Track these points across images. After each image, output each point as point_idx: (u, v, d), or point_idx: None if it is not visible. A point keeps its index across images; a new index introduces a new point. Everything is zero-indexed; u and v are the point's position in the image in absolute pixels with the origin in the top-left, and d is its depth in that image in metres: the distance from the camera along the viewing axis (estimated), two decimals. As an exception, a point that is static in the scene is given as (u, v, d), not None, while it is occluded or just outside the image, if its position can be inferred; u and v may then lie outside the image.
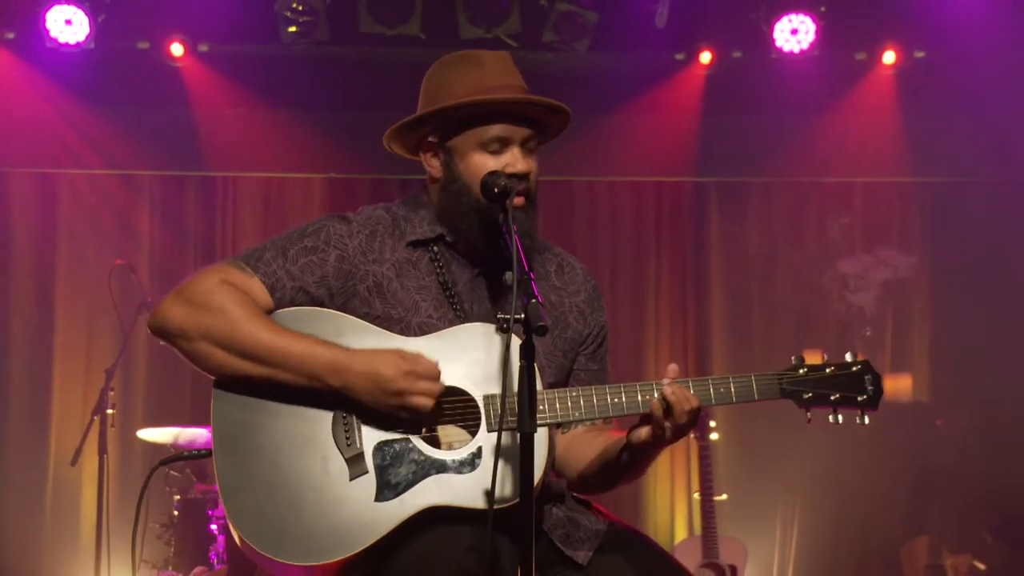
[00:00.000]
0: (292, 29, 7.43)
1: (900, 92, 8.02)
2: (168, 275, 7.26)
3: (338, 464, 2.84)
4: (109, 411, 6.22)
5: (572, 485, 3.11)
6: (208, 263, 7.72)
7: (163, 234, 7.96)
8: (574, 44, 7.59)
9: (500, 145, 3.01)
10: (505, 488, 2.83)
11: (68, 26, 7.24)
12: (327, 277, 2.97)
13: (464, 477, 2.85)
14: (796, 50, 7.65)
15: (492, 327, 2.92)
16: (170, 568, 6.32)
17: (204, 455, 3.04)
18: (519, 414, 2.62)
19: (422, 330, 2.97)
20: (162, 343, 2.97)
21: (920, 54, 7.93)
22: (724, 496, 6.65)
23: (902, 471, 7.94)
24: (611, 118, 7.92)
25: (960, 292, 8.11)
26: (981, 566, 7.50)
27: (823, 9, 7.65)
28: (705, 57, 7.72)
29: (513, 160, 3.00)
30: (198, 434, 6.34)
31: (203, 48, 7.58)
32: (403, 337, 2.94)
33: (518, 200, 2.97)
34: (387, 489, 2.82)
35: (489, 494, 2.76)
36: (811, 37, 7.63)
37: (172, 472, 6.48)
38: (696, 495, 6.84)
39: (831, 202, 8.36)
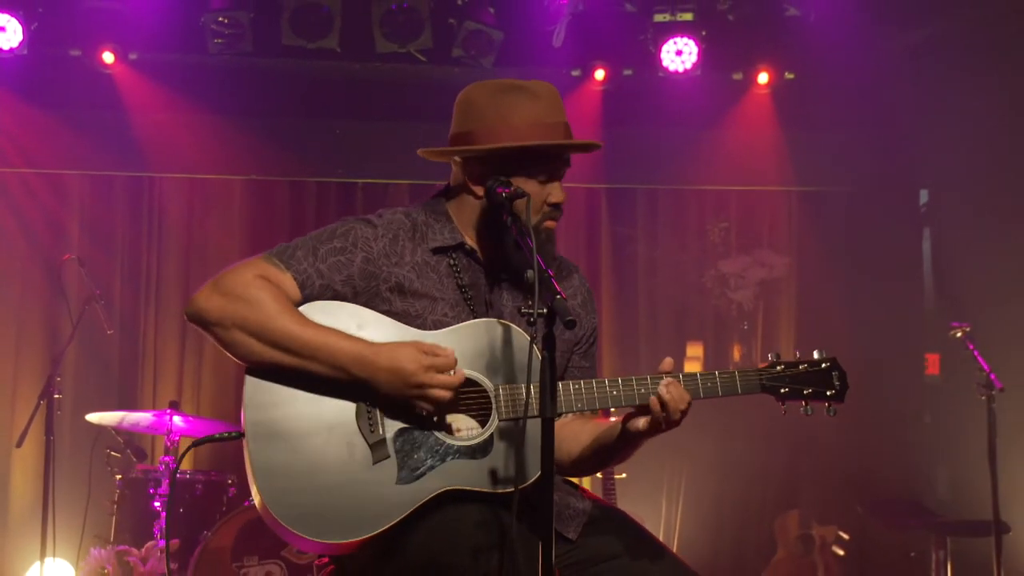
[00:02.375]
0: (218, 41, 7.55)
1: (773, 109, 8.37)
2: (95, 271, 7.31)
3: (362, 449, 2.91)
4: (56, 396, 6.33)
5: (562, 468, 3.17)
6: (133, 260, 7.98)
7: (91, 232, 8.04)
8: (481, 60, 7.79)
9: (547, 178, 3.12)
10: (519, 472, 2.94)
11: (2, 32, 7.29)
12: (353, 277, 3.03)
13: (478, 462, 2.94)
14: (681, 69, 7.88)
15: (500, 323, 3.05)
16: (111, 544, 6.47)
17: (235, 437, 3.05)
18: (540, 401, 2.70)
19: (437, 327, 3.05)
20: (198, 330, 3.04)
21: (790, 75, 8.26)
22: (623, 475, 6.85)
23: (775, 452, 8.25)
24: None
25: (822, 289, 8.50)
26: (845, 536, 7.89)
27: (704, 33, 7.90)
28: (599, 74, 7.93)
29: (556, 192, 3.13)
30: (142, 417, 6.52)
31: (133, 56, 7.65)
32: (419, 330, 3.03)
33: (551, 223, 3.13)
34: (407, 472, 2.90)
35: (500, 478, 2.92)
36: (694, 58, 7.87)
37: (113, 454, 6.59)
38: (599, 474, 7.16)
39: (711, 208, 8.70)
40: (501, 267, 3.19)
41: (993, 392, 5.86)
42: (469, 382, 3.00)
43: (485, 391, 3.01)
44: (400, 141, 8.09)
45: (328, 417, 2.94)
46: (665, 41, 7.94)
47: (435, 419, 2.97)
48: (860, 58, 8.05)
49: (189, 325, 8.02)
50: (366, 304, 3.05)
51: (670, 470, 8.30)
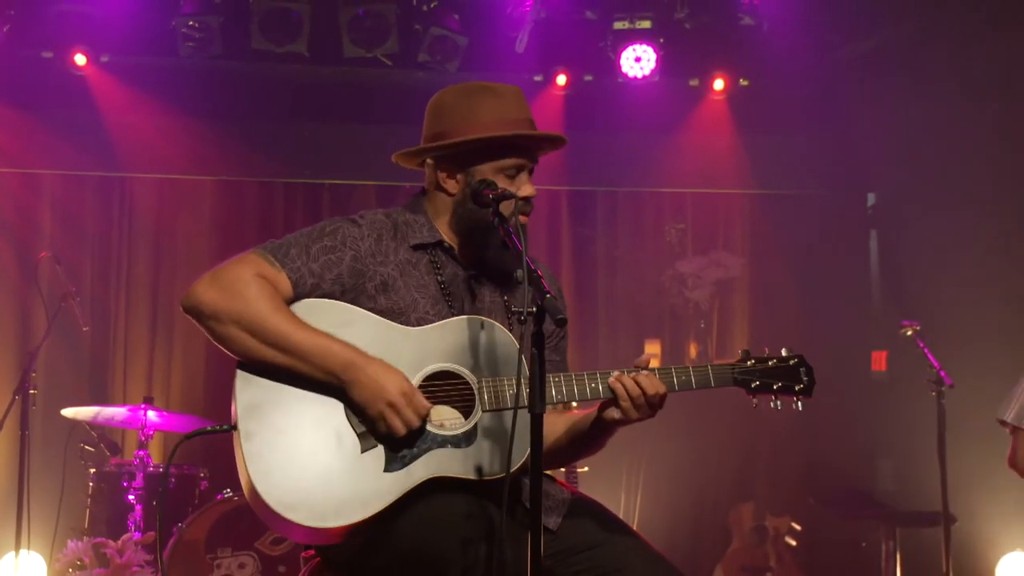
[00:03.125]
0: (188, 44, 7.61)
1: (728, 115, 8.49)
2: (68, 269, 7.33)
3: (351, 439, 2.98)
4: (32, 391, 6.37)
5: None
6: (104, 258, 8.03)
7: (63, 229, 8.06)
8: (446, 65, 7.85)
9: (516, 171, 3.21)
10: (501, 461, 3.00)
11: (-26, 35, 7.26)
12: (342, 275, 3.10)
13: (463, 451, 3.01)
14: (639, 76, 7.98)
15: (483, 320, 3.13)
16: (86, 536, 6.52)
17: (227, 430, 3.07)
18: (530, 395, 2.76)
19: (420, 323, 3.12)
20: (193, 321, 3.09)
21: (745, 82, 8.40)
22: (585, 468, 6.90)
23: (731, 446, 8.43)
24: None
25: (775, 289, 8.71)
26: (797, 527, 8.04)
27: (662, 41, 8.01)
28: (561, 79, 8.04)
29: (526, 187, 3.21)
30: (116, 412, 6.58)
31: (104, 59, 7.68)
32: (404, 327, 3.10)
33: (524, 219, 3.16)
34: (395, 461, 2.96)
35: (485, 467, 2.98)
36: (652, 65, 7.97)
37: (87, 448, 6.63)
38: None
39: (668, 210, 8.85)
40: (479, 264, 3.27)
41: (943, 388, 5.98)
42: (453, 375, 3.08)
43: (468, 384, 3.08)
44: (366, 144, 8.20)
45: (317, 409, 3.00)
46: (624, 48, 8.04)
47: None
48: (811, 66, 8.19)
49: (159, 322, 8.04)
50: (353, 301, 3.11)
51: (629, 464, 8.40)
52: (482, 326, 3.14)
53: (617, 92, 8.19)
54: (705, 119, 8.54)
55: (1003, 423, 4.74)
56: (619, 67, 8.05)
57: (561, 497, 3.22)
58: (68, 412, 6.52)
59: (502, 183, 3.18)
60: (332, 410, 3.01)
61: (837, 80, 8.26)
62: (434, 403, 3.06)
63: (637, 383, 3.05)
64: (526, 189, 3.21)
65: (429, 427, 3.02)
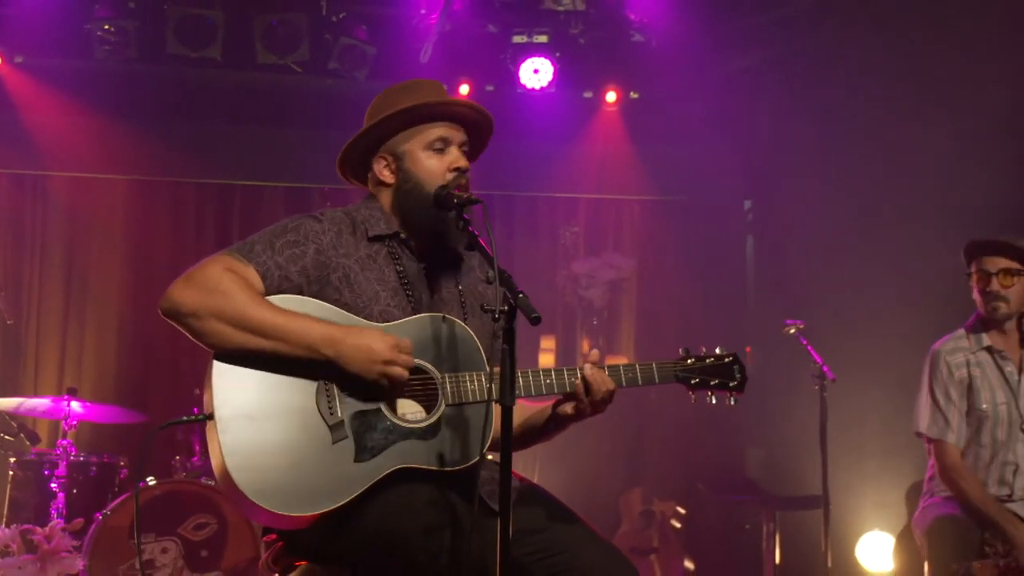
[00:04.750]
0: (105, 47, 7.66)
1: (619, 125, 8.81)
2: None
3: (322, 430, 3.02)
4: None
5: (493, 447, 3.18)
6: (17, 255, 8.03)
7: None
8: (355, 73, 8.05)
9: (443, 144, 3.26)
10: (463, 452, 3.08)
11: None
12: (307, 268, 3.15)
13: (428, 443, 3.07)
14: (537, 87, 8.26)
15: (445, 317, 3.18)
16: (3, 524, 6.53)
17: (203, 419, 3.10)
18: (501, 390, 2.81)
19: (383, 317, 3.15)
20: (171, 322, 3.12)
21: (635, 95, 8.74)
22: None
23: (621, 435, 8.69)
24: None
25: (662, 289, 9.02)
26: (682, 511, 8.32)
27: (558, 55, 8.29)
28: (464, 89, 8.24)
29: (455, 158, 3.26)
30: (39, 403, 6.64)
31: (19, 60, 7.72)
32: (369, 323, 3.14)
33: (459, 191, 3.22)
34: (364, 452, 3.01)
35: (448, 457, 3.05)
36: (549, 77, 8.24)
37: (6, 438, 6.63)
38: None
39: (562, 214, 9.12)
40: (431, 254, 3.32)
41: (825, 382, 6.22)
42: (417, 370, 3.12)
43: (432, 378, 3.13)
44: (277, 147, 8.37)
45: (290, 401, 3.04)
46: (523, 60, 8.31)
47: (387, 404, 3.08)
48: (696, 80, 8.48)
49: (71, 316, 8.08)
50: (318, 293, 3.15)
51: (526, 452, 8.52)
52: (445, 323, 3.19)
53: (516, 102, 8.42)
54: (598, 129, 8.84)
55: (919, 435, 4.98)
56: (518, 78, 8.31)
57: (512, 485, 3.28)
58: (-9, 402, 6.51)
59: (430, 157, 3.25)
60: (305, 401, 3.05)
61: (718, 94, 8.54)
62: (401, 397, 3.11)
63: (589, 380, 3.15)
64: (456, 160, 3.26)
65: (396, 420, 3.06)
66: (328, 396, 3.06)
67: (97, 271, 8.31)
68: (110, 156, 8.23)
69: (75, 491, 6.50)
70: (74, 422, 6.55)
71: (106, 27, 7.66)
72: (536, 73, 8.32)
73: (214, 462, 3.04)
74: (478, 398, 3.12)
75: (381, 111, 3.31)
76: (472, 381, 3.14)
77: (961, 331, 5.01)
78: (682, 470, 8.67)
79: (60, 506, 6.38)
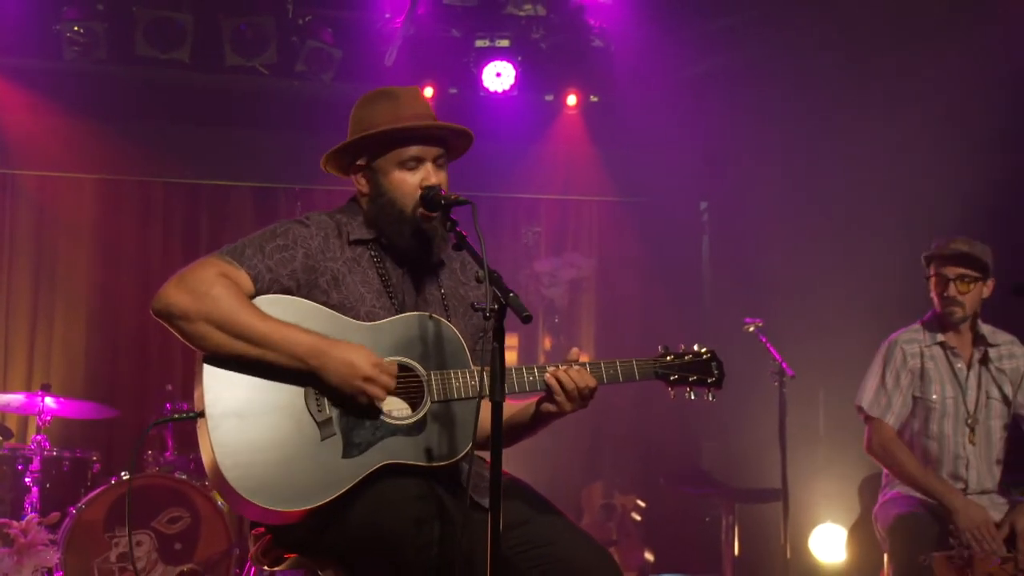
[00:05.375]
0: (74, 48, 7.71)
1: (580, 128, 8.96)
2: None
3: (311, 427, 3.06)
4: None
5: (477, 443, 3.23)
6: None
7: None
8: (321, 75, 8.14)
9: (416, 163, 3.30)
10: (449, 448, 3.12)
11: None
12: (296, 271, 3.20)
13: (414, 439, 3.11)
14: (500, 90, 8.41)
15: (430, 316, 3.23)
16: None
17: (194, 417, 3.13)
18: (491, 385, 2.87)
19: (369, 317, 3.20)
20: (162, 323, 3.13)
21: (595, 98, 8.89)
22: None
23: (582, 433, 8.75)
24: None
25: (621, 288, 9.16)
26: (642, 504, 8.46)
27: (520, 59, 8.44)
28: (428, 91, 8.27)
29: (427, 175, 3.30)
30: (13, 398, 6.70)
31: (-12, 60, 7.68)
32: (357, 322, 3.20)
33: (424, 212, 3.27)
34: (352, 448, 3.05)
35: (434, 453, 3.09)
36: (511, 80, 8.39)
37: None
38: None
39: (524, 214, 9.24)
40: (408, 258, 3.35)
41: (784, 378, 6.37)
42: (404, 368, 3.16)
43: (417, 376, 3.18)
44: (245, 147, 8.45)
45: (279, 399, 3.08)
46: (486, 64, 8.45)
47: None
48: (654, 85, 8.64)
49: (39, 313, 8.12)
50: (307, 296, 3.20)
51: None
52: (431, 323, 3.24)
53: (479, 104, 8.54)
54: (559, 131, 8.99)
55: (860, 409, 5.12)
56: (481, 82, 8.46)
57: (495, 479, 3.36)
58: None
59: (403, 175, 3.29)
60: (294, 399, 3.09)
61: (675, 98, 8.70)
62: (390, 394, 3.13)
63: (570, 377, 3.19)
64: (427, 178, 3.30)
65: (383, 417, 3.11)
66: (318, 396, 3.11)
67: (65, 268, 8.36)
68: (79, 155, 8.27)
69: (48, 485, 6.57)
70: (48, 417, 6.60)
71: (76, 28, 7.71)
72: (498, 76, 8.46)
73: (205, 459, 3.09)
74: (463, 395, 3.17)
75: (362, 123, 3.36)
76: (457, 378, 3.19)
77: (918, 325, 5.15)
78: (642, 464, 8.81)
79: (34, 500, 6.44)
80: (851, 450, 7.86)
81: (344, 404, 3.10)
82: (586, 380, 3.22)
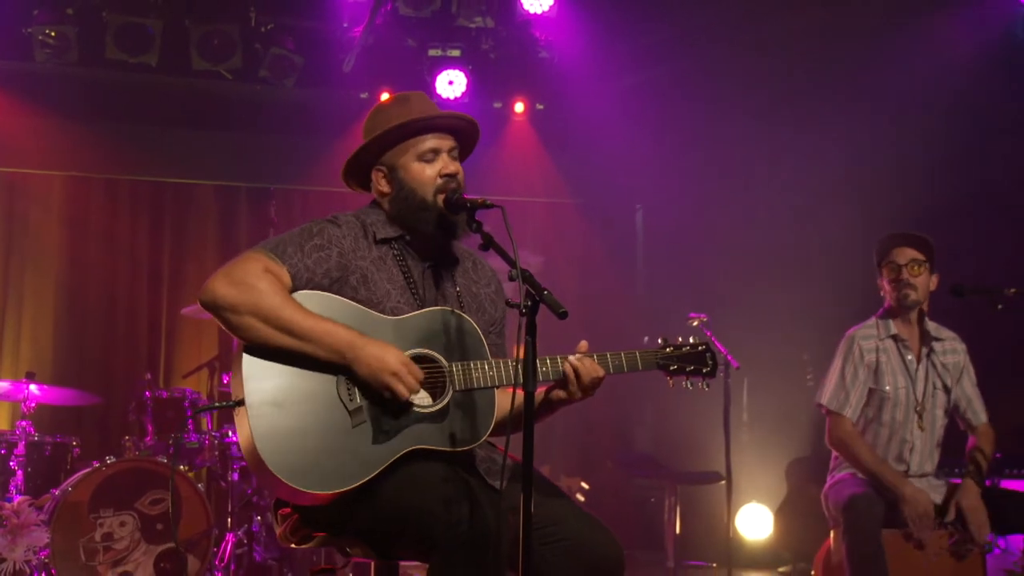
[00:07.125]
0: (45, 51, 7.89)
1: (526, 134, 9.30)
2: None
3: (342, 415, 3.17)
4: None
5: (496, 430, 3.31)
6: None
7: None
8: (284, 80, 8.40)
9: (433, 154, 3.38)
10: (471, 433, 3.22)
11: None
12: (331, 270, 3.30)
13: (439, 425, 3.22)
14: (452, 97, 8.67)
15: (453, 311, 3.33)
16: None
17: (235, 405, 3.22)
18: (524, 375, 2.98)
19: (394, 312, 3.30)
20: (209, 313, 3.21)
21: (541, 106, 9.27)
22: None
23: None
24: (312, 140, 8.83)
25: (564, 286, 9.20)
26: (586, 485, 8.80)
27: (471, 68, 8.73)
28: (384, 97, 8.30)
29: (444, 164, 3.38)
30: (-2, 388, 6.89)
31: (-43, 61, 7.82)
32: (384, 317, 3.29)
33: (441, 197, 3.35)
34: (381, 434, 3.16)
35: (457, 438, 3.20)
36: (463, 88, 8.69)
37: None
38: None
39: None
40: (432, 255, 3.46)
41: (730, 370, 6.71)
42: (428, 359, 3.27)
43: (440, 366, 3.28)
44: (208, 148, 8.68)
45: (314, 389, 3.18)
46: (439, 72, 8.75)
47: None
48: (595, 95, 8.99)
49: (8, 305, 8.29)
50: (338, 291, 3.29)
51: None
52: (454, 317, 3.34)
53: (433, 111, 8.82)
54: (508, 137, 9.29)
55: (820, 406, 5.40)
56: (434, 89, 8.74)
57: (507, 464, 3.35)
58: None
59: (422, 167, 3.37)
60: (327, 387, 3.19)
61: (615, 106, 9.03)
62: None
63: (579, 367, 3.29)
64: (446, 167, 3.38)
65: (409, 404, 3.20)
66: (349, 385, 3.21)
67: (34, 262, 8.52)
68: (46, 153, 8.44)
69: (30, 469, 6.68)
70: (32, 404, 6.77)
71: (47, 31, 7.88)
72: (451, 84, 8.75)
73: (243, 444, 3.21)
74: (484, 384, 3.27)
75: (376, 127, 3.44)
76: (478, 369, 3.28)
77: (873, 320, 5.41)
78: (590, 447, 9.17)
79: (19, 483, 6.58)
80: (773, 437, 8.35)
81: (373, 394, 3.20)
82: (595, 370, 3.33)
